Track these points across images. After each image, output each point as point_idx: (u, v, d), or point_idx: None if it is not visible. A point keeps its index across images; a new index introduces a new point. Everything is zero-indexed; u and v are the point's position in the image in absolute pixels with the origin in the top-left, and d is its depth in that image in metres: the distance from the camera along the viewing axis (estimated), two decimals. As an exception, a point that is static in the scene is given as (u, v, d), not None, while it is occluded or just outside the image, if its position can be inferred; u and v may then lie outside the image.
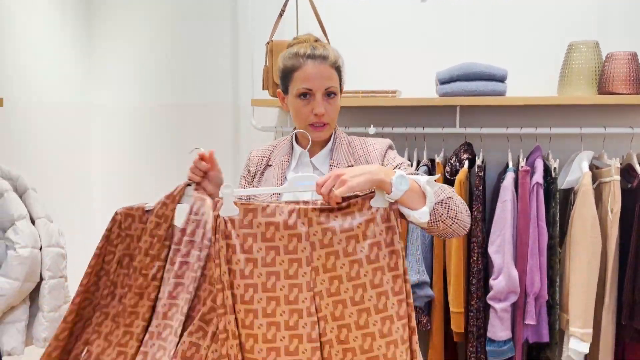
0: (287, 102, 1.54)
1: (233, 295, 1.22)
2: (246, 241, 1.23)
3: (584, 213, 2.20)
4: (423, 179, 1.27)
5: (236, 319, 1.22)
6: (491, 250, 2.28)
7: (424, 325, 2.41)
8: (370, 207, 1.23)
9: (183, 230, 1.38)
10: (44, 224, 2.12)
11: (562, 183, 2.36)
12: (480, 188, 2.35)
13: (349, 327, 1.21)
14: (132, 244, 1.44)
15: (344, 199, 1.23)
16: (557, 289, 2.30)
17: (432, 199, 1.24)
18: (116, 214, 1.44)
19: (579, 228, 2.21)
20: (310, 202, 1.26)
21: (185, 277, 1.35)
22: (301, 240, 1.23)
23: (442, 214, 1.28)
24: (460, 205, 1.33)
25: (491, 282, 2.26)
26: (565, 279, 2.28)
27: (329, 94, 1.48)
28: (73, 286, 2.93)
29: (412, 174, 1.37)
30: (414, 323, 1.24)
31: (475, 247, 2.35)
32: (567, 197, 2.42)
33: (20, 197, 2.11)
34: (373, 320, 1.20)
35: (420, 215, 1.23)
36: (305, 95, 1.47)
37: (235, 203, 1.24)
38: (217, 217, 1.23)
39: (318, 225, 1.22)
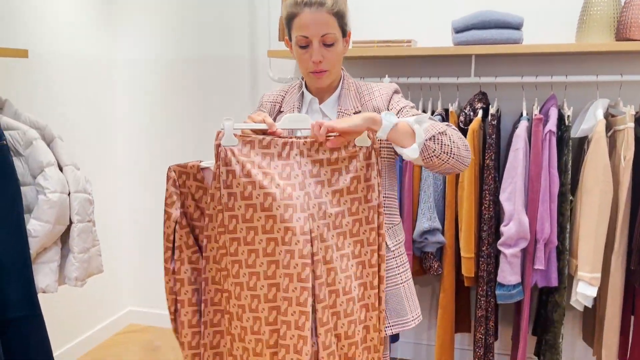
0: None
1: (234, 217, 1.37)
2: (245, 167, 1.36)
3: (596, 160, 2.21)
4: (412, 118, 1.35)
5: (238, 238, 1.37)
6: (502, 197, 2.32)
7: (435, 270, 2.49)
8: (355, 145, 1.38)
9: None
10: (71, 171, 2.22)
11: (577, 132, 2.36)
12: (494, 136, 2.38)
13: (332, 248, 1.38)
14: (186, 202, 1.46)
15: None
16: (567, 235, 2.34)
17: (421, 136, 1.32)
18: (170, 170, 1.46)
19: (591, 175, 2.22)
20: (302, 137, 1.40)
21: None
22: (294, 168, 1.38)
23: (435, 150, 1.33)
24: (456, 140, 1.36)
25: (502, 228, 2.31)
26: (576, 226, 2.32)
27: (327, 40, 1.47)
28: (99, 231, 3.08)
29: (415, 115, 1.42)
30: (383, 252, 1.40)
31: (487, 195, 2.39)
32: (582, 145, 2.42)
33: (48, 145, 2.21)
34: (348, 243, 1.39)
35: (411, 152, 1.33)
36: (303, 42, 1.48)
37: (235, 135, 1.37)
38: (218, 146, 1.36)
39: (308, 157, 1.38)
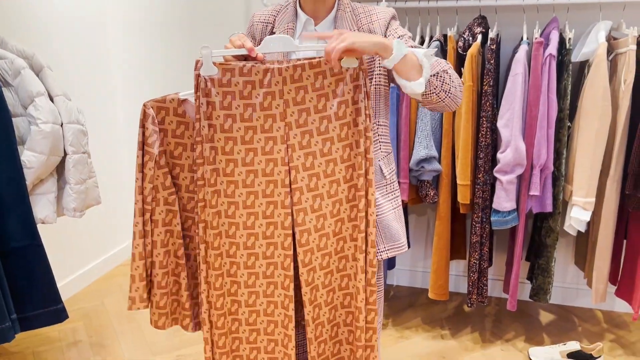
0: None
1: (214, 148, 1.34)
2: (225, 98, 1.32)
3: (595, 83, 2.17)
4: (421, 51, 1.29)
5: (217, 169, 1.35)
6: (500, 124, 2.30)
7: (431, 198, 2.50)
8: (341, 67, 1.31)
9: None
10: (63, 102, 2.19)
11: (578, 55, 2.31)
12: (492, 62, 2.33)
13: (318, 176, 1.37)
14: (165, 139, 1.38)
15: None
16: (563, 161, 2.34)
17: (428, 71, 1.29)
18: (146, 107, 1.36)
19: (590, 98, 2.20)
20: (284, 62, 1.32)
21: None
22: (275, 98, 1.32)
23: (437, 87, 1.32)
24: (455, 80, 1.35)
25: (498, 155, 2.31)
26: (572, 151, 2.31)
27: None
28: (97, 164, 3.08)
29: (412, 47, 1.38)
30: (371, 176, 1.37)
31: (485, 122, 2.37)
32: (582, 70, 2.38)
33: (37, 75, 2.16)
34: (338, 169, 1.37)
35: (417, 85, 1.29)
36: None
37: (215, 63, 1.31)
38: (197, 76, 1.31)
39: (292, 83, 1.32)
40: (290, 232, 1.39)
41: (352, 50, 1.27)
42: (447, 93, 1.34)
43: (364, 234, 1.38)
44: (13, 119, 2.10)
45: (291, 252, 1.40)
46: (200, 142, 1.34)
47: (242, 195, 1.37)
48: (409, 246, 2.92)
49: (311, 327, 1.44)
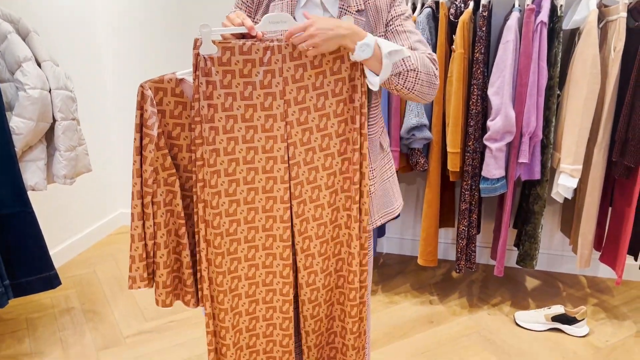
0: None
1: (214, 128, 1.34)
2: (225, 77, 1.31)
3: (585, 50, 2.18)
4: (387, 49, 1.29)
5: (217, 149, 1.35)
6: (490, 92, 2.31)
7: (421, 166, 2.53)
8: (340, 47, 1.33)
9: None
10: (50, 67, 2.16)
11: (568, 23, 2.32)
12: (484, 29, 2.32)
13: (314, 150, 1.39)
14: (164, 120, 1.36)
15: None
16: (553, 129, 2.36)
17: (387, 72, 1.31)
18: (144, 88, 1.33)
19: (580, 65, 2.21)
20: (283, 39, 1.32)
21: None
22: (275, 75, 1.32)
23: (398, 84, 1.34)
24: (422, 79, 1.35)
25: (488, 123, 2.32)
26: (561, 119, 2.33)
27: None
28: (88, 132, 3.05)
29: (407, 30, 1.40)
30: (365, 150, 1.39)
31: (475, 90, 2.37)
32: (573, 38, 2.38)
33: (24, 39, 2.13)
34: (333, 143, 1.39)
35: (370, 83, 1.33)
36: None
37: (214, 42, 1.29)
38: (197, 55, 1.29)
39: (291, 61, 1.32)
40: (289, 205, 1.41)
41: (315, 48, 1.28)
42: (409, 90, 1.36)
43: (358, 205, 1.42)
44: (0, 85, 2.07)
45: (289, 224, 1.43)
46: (199, 122, 1.33)
47: (243, 171, 1.38)
48: (398, 215, 2.96)
49: (305, 291, 1.47)
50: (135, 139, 1.35)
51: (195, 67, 1.30)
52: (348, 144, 1.40)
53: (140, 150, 1.36)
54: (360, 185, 1.42)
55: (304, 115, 1.36)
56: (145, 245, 1.41)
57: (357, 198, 1.41)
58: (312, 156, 1.39)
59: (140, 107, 1.33)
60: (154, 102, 1.34)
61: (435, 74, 1.38)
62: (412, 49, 1.40)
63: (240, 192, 1.39)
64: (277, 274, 1.46)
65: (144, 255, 1.41)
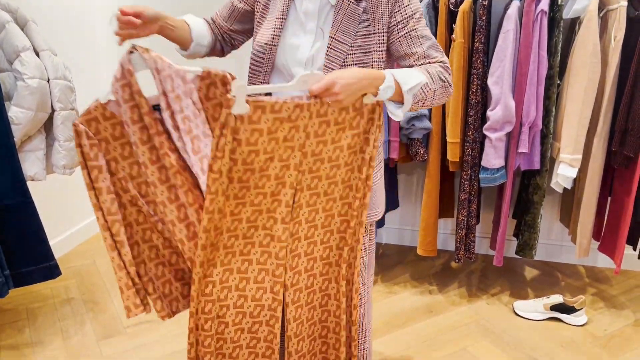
0: None
1: (230, 178, 1.33)
2: (252, 135, 1.29)
3: (585, 40, 2.18)
4: (407, 85, 1.30)
5: (228, 195, 1.36)
6: (490, 81, 2.31)
7: (421, 156, 2.53)
8: (362, 102, 1.35)
9: (163, 94, 1.29)
10: (49, 57, 2.15)
11: (569, 12, 2.31)
12: (484, 18, 2.31)
13: (317, 195, 1.44)
14: (110, 146, 1.34)
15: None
16: (552, 118, 2.36)
17: (409, 104, 1.33)
18: (77, 126, 1.31)
19: (580, 54, 2.20)
20: (314, 97, 1.30)
21: (194, 127, 1.31)
22: (299, 131, 1.33)
23: (418, 107, 1.38)
24: (439, 94, 1.38)
25: (488, 112, 2.32)
26: (561, 109, 2.33)
27: None
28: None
29: (419, 36, 1.41)
30: (367, 200, 1.45)
31: (475, 80, 2.37)
32: (573, 27, 2.38)
33: (21, 29, 2.11)
34: (338, 189, 1.45)
35: (393, 114, 1.35)
36: None
37: (247, 101, 1.25)
38: (228, 114, 1.25)
39: (317, 117, 1.33)
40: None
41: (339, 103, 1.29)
42: (428, 106, 1.40)
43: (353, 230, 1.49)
44: (-2, 74, 2.06)
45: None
46: (217, 178, 1.31)
47: (248, 212, 1.41)
48: (398, 205, 2.96)
49: (289, 292, 1.51)
50: (84, 176, 1.33)
51: (223, 125, 1.26)
52: (351, 190, 1.46)
53: (92, 185, 1.34)
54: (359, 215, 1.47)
55: (317, 165, 1.40)
56: (128, 272, 1.40)
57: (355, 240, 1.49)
58: (316, 200, 1.44)
59: (78, 145, 1.31)
60: (90, 135, 1.31)
61: (449, 84, 1.41)
62: (425, 57, 1.41)
63: (241, 229, 1.43)
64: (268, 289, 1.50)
65: (130, 283, 1.41)
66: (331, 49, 1.40)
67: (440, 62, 1.41)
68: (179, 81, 1.29)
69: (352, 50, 1.40)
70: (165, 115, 1.30)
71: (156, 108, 1.32)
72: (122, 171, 1.36)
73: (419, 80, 1.32)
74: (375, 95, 1.32)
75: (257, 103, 1.26)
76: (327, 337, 1.59)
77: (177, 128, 1.31)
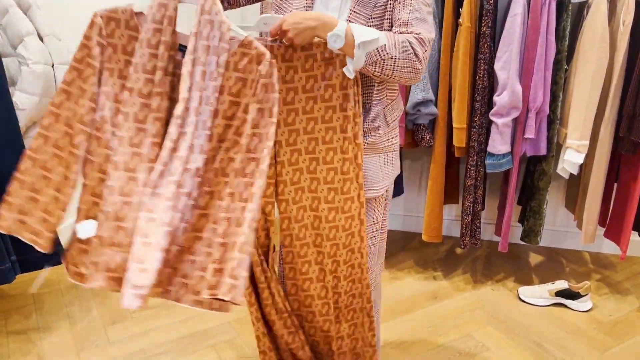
0: None
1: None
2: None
3: (594, 23, 2.15)
4: (359, 39, 1.27)
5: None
6: (497, 66, 2.29)
7: (426, 142, 2.51)
8: (331, 52, 1.33)
9: (196, 34, 1.16)
10: (53, 41, 2.14)
11: (577, -4, 2.28)
12: (491, 2, 2.29)
13: (299, 152, 1.42)
14: (115, 56, 1.23)
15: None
16: (560, 104, 2.34)
17: (360, 62, 1.29)
18: (95, 16, 1.19)
19: (588, 39, 2.18)
20: (277, 40, 1.33)
21: (207, 87, 1.20)
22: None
23: (375, 71, 1.32)
24: (401, 65, 1.31)
25: (495, 98, 2.30)
26: (569, 94, 2.31)
27: None
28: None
29: (411, 4, 1.36)
30: (360, 161, 1.42)
31: (482, 64, 2.35)
32: (582, 11, 2.35)
33: (25, 14, 2.10)
34: (319, 149, 1.41)
35: (345, 71, 1.33)
36: None
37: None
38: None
39: (283, 62, 1.34)
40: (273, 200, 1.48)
41: (291, 41, 1.30)
42: (389, 76, 1.33)
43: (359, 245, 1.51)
44: (2, 59, 2.05)
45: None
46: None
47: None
48: (402, 191, 2.96)
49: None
50: (68, 71, 1.21)
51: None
52: (335, 153, 1.40)
53: (69, 84, 1.21)
54: (358, 197, 1.45)
55: (291, 116, 1.37)
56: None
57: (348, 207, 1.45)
58: (297, 157, 1.40)
59: (85, 36, 1.20)
60: (103, 33, 1.21)
61: (418, 58, 1.33)
62: (407, 24, 1.35)
63: None
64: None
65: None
66: (350, 22, 1.39)
67: (415, 35, 1.34)
68: (217, 32, 1.19)
69: (371, 22, 1.40)
70: (188, 58, 1.17)
71: (181, 49, 1.22)
72: (111, 88, 1.23)
73: (375, 38, 1.28)
74: (327, 32, 1.28)
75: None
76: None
77: (191, 76, 1.18)
